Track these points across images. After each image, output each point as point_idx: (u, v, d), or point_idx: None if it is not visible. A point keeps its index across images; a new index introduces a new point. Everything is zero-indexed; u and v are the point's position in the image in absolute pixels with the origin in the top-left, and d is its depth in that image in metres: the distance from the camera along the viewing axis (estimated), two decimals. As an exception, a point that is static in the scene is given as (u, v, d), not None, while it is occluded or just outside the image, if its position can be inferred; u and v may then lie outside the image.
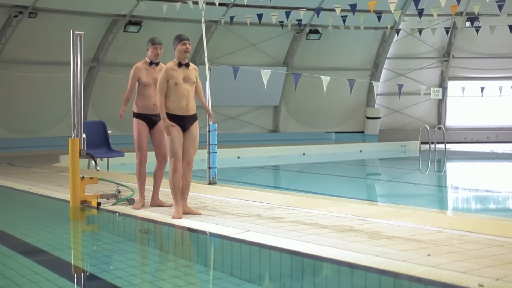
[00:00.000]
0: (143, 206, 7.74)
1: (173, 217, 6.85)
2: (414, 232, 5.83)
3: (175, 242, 6.32)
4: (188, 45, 6.98)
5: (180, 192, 6.99)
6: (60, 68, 20.21)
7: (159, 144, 7.71)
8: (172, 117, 6.91)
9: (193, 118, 7.05)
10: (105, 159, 12.48)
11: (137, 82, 7.67)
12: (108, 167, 13.10)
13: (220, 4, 16.85)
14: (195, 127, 7.08)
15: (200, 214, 7.07)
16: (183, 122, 6.98)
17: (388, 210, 7.30)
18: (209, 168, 10.08)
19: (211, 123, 9.21)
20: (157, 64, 7.74)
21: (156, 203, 7.84)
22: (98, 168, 8.48)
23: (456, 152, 23.57)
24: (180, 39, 6.99)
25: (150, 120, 7.68)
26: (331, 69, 24.55)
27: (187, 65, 7.02)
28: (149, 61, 7.73)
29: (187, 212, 7.05)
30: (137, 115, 7.67)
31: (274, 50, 25.29)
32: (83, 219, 7.72)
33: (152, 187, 7.90)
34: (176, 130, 6.92)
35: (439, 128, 24.10)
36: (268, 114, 26.59)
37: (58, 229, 7.02)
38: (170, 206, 7.65)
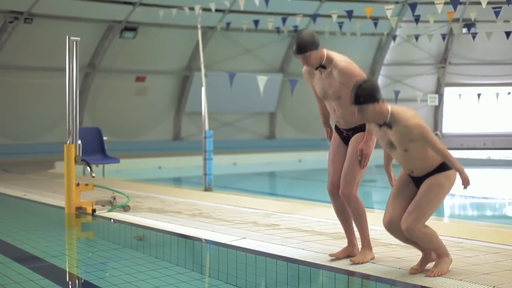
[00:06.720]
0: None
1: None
2: (411, 239, 5.80)
3: (170, 249, 6.28)
4: None
5: None
6: (55, 74, 20.14)
7: None
8: None
9: None
10: (101, 166, 12.46)
11: None
12: (103, 174, 13.07)
13: (216, 10, 16.90)
14: None
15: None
16: None
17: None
18: (205, 174, 10.07)
19: None
20: None
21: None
22: (93, 175, 8.45)
23: (453, 158, 23.55)
24: None
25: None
26: (328, 75, 24.50)
27: None
28: None
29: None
30: None
31: (271, 56, 25.28)
32: (78, 226, 7.70)
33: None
34: None
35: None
36: (264, 120, 26.57)
37: (53, 236, 6.99)
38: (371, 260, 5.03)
